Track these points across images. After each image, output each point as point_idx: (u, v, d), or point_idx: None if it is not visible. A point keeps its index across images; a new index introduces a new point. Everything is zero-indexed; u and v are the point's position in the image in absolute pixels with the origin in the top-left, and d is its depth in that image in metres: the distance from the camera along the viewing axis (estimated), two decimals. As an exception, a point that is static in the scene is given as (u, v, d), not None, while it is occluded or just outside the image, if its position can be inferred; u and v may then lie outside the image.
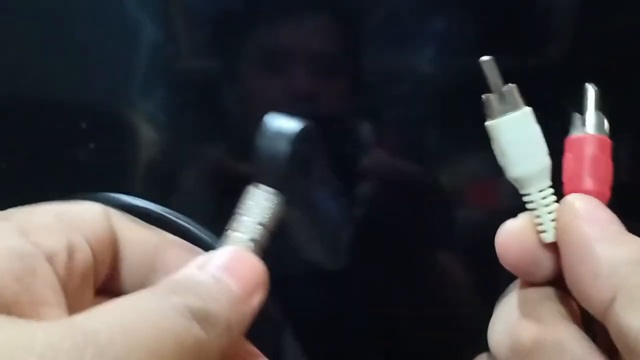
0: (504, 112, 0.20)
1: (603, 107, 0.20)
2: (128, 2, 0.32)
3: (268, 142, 0.19)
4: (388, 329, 0.34)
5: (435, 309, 0.34)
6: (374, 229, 0.33)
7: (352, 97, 0.32)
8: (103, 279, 0.19)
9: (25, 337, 0.13)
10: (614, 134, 0.21)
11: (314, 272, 0.33)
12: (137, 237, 0.20)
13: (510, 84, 0.20)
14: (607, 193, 0.20)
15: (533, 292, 0.20)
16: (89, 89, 0.33)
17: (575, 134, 0.21)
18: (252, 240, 0.19)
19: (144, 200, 0.27)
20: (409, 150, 0.33)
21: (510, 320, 0.20)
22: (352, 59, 0.32)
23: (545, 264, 0.20)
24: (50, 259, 0.16)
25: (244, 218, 0.19)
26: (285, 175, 0.18)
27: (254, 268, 0.18)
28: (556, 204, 0.20)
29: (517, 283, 0.21)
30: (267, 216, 0.19)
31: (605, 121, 0.20)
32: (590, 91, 0.21)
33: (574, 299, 0.19)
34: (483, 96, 0.20)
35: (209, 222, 0.27)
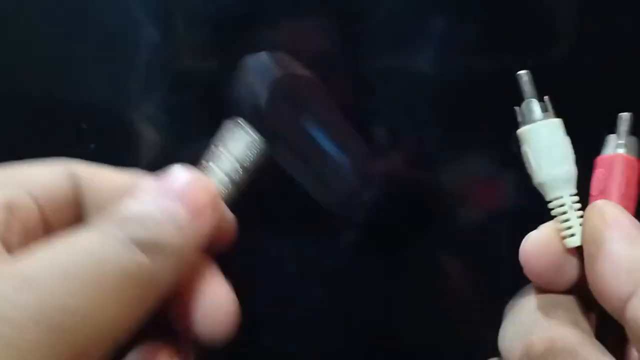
0: (534, 121, 0.22)
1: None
2: (128, 2, 0.32)
3: (248, 86, 0.18)
4: (388, 329, 0.34)
5: (435, 308, 0.34)
6: (374, 228, 0.33)
7: (352, 97, 0.32)
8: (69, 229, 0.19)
9: None
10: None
11: (313, 272, 0.33)
12: (106, 185, 0.20)
13: (544, 97, 0.22)
14: (632, 212, 0.21)
15: (547, 298, 0.21)
16: (89, 89, 0.33)
17: (607, 153, 0.22)
18: (229, 176, 0.18)
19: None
20: (409, 150, 0.33)
21: (524, 326, 0.20)
22: (352, 59, 0.32)
23: (568, 272, 0.21)
24: None
25: (223, 154, 0.18)
26: (265, 120, 0.18)
27: (203, 188, 0.18)
28: (581, 211, 0.21)
29: (529, 289, 0.22)
30: (247, 158, 0.18)
31: (637, 144, 0.22)
32: (626, 116, 0.22)
33: (589, 307, 0.20)
34: (517, 107, 0.22)
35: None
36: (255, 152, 0.18)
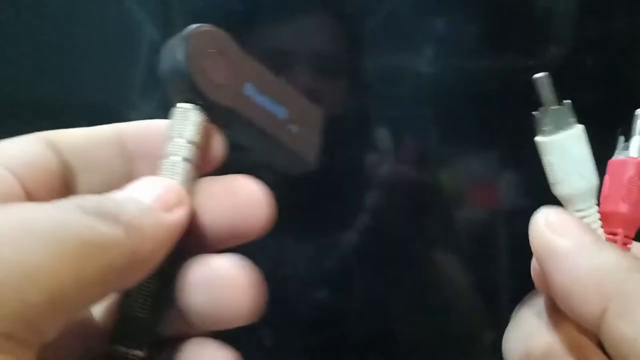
0: (555, 129, 0.20)
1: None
2: (129, 2, 0.32)
3: (165, 56, 0.18)
4: (388, 329, 0.34)
5: (435, 308, 0.34)
6: (373, 228, 0.33)
7: (352, 97, 0.32)
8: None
9: None
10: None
11: (313, 273, 0.33)
12: (90, 156, 0.20)
13: (565, 101, 0.20)
14: None
15: (549, 303, 0.20)
16: (89, 89, 0.33)
17: (618, 156, 0.21)
18: (185, 159, 0.18)
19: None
20: (409, 150, 0.33)
21: (525, 329, 0.20)
22: (352, 59, 0.32)
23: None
24: None
25: (174, 139, 0.18)
26: (193, 85, 0.18)
27: (171, 189, 0.18)
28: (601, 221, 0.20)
29: (534, 294, 0.22)
30: (192, 131, 0.18)
31: None
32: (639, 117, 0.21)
33: None
34: (535, 112, 0.20)
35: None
36: (200, 123, 0.18)
